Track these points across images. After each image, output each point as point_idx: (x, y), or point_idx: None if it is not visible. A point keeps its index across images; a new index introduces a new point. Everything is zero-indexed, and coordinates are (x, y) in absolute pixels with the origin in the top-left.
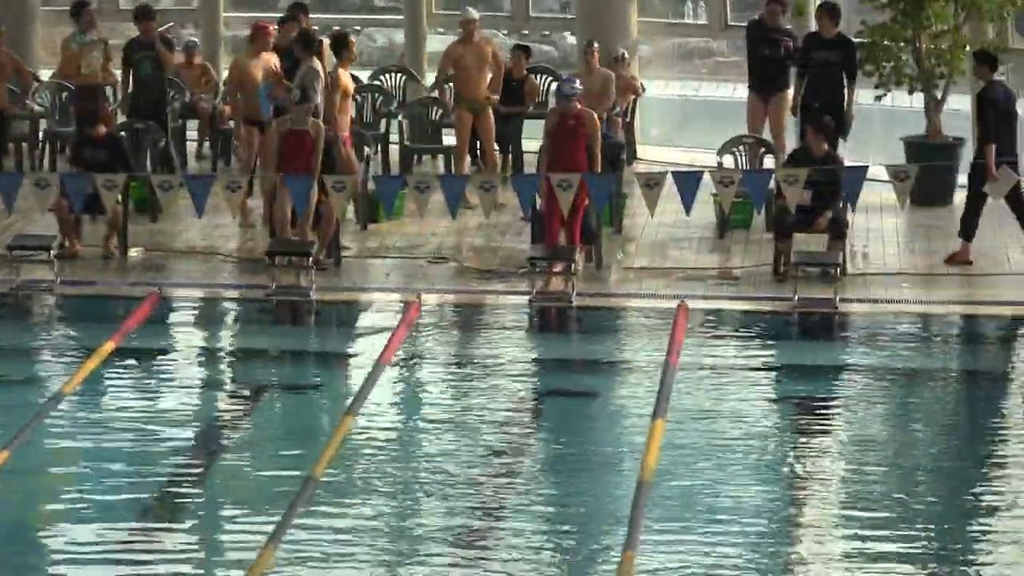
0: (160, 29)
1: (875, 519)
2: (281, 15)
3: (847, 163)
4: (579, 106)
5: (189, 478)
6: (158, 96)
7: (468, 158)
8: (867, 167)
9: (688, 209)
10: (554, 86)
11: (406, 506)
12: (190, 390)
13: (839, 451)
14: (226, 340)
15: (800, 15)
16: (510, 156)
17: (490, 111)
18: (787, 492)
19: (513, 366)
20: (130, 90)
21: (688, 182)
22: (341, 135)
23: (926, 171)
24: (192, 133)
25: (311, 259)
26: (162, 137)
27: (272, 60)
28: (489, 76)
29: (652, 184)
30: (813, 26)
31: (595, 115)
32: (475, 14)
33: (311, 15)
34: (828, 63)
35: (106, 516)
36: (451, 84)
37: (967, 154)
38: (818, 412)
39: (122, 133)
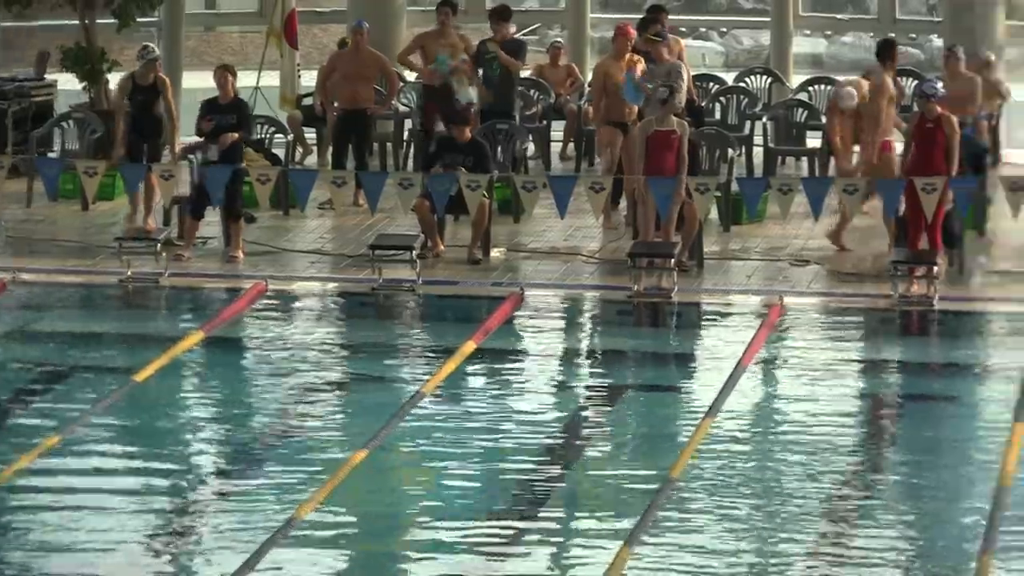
0: (524, 31)
1: None
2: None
3: None
4: (939, 109)
5: (545, 479)
6: (506, 97)
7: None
8: None
9: None
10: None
11: (763, 506)
12: (549, 391)
13: None
14: (585, 341)
15: None
16: None
17: None
18: None
19: (872, 369)
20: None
21: None
22: (884, 140)
23: None
24: (557, 134)
25: (673, 260)
26: (523, 138)
27: (638, 63)
28: None
29: (1017, 187)
30: None
31: (953, 118)
32: None
33: (676, 16)
34: None
35: (461, 515)
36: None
37: None
38: None
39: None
